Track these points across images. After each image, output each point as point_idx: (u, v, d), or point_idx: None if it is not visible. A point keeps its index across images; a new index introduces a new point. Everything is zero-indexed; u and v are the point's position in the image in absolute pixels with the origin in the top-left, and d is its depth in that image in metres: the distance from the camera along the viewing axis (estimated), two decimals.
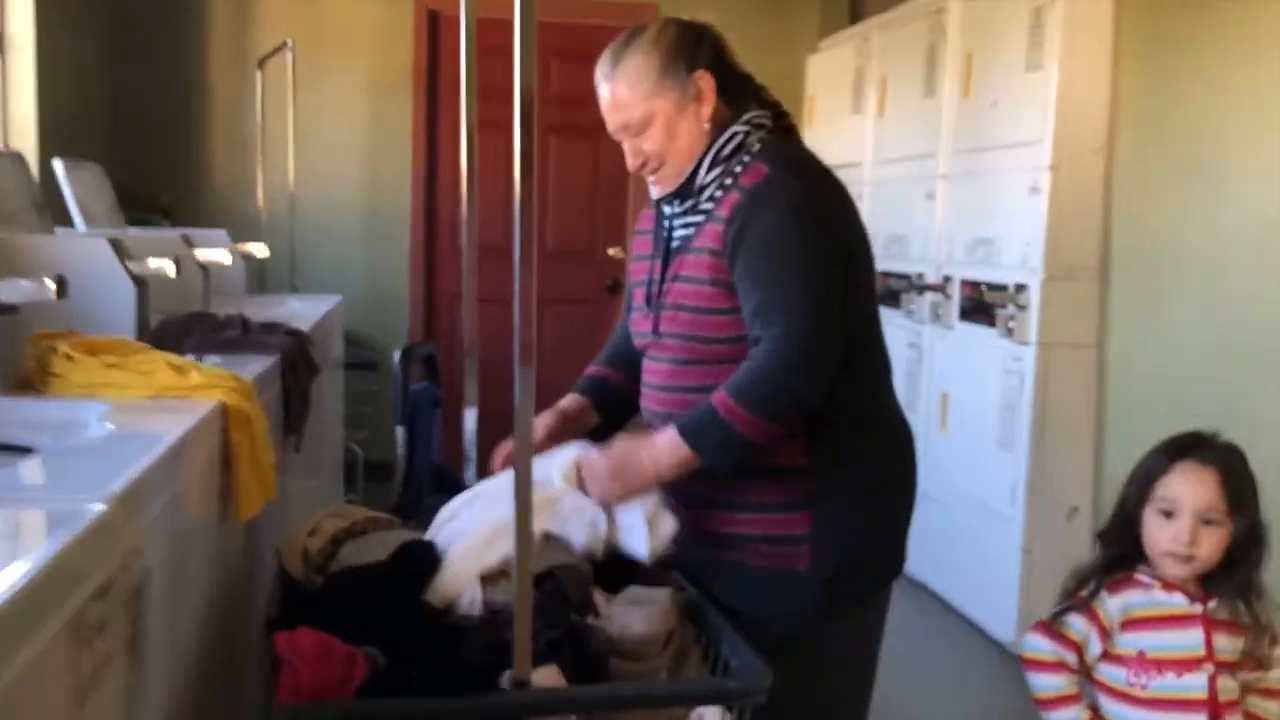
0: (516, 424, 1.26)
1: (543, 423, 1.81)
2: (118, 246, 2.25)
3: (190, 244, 2.88)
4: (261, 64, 4.35)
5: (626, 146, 1.76)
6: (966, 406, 3.69)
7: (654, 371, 1.80)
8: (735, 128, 1.72)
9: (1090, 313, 3.35)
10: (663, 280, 1.76)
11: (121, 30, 4.69)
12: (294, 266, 4.16)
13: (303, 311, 3.14)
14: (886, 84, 4.39)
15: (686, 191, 1.74)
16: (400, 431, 2.13)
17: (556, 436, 1.81)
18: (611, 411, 1.93)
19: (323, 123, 4.88)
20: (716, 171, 1.71)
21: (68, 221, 2.95)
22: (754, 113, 1.74)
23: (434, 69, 5.16)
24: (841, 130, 4.73)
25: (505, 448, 1.82)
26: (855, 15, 5.22)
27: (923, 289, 3.94)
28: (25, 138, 3.85)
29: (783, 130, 1.78)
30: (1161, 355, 3.14)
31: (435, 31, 5.14)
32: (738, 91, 1.75)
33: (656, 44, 1.73)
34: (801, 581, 1.67)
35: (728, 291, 1.66)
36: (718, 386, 1.63)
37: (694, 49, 1.73)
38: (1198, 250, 3.00)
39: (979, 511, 3.59)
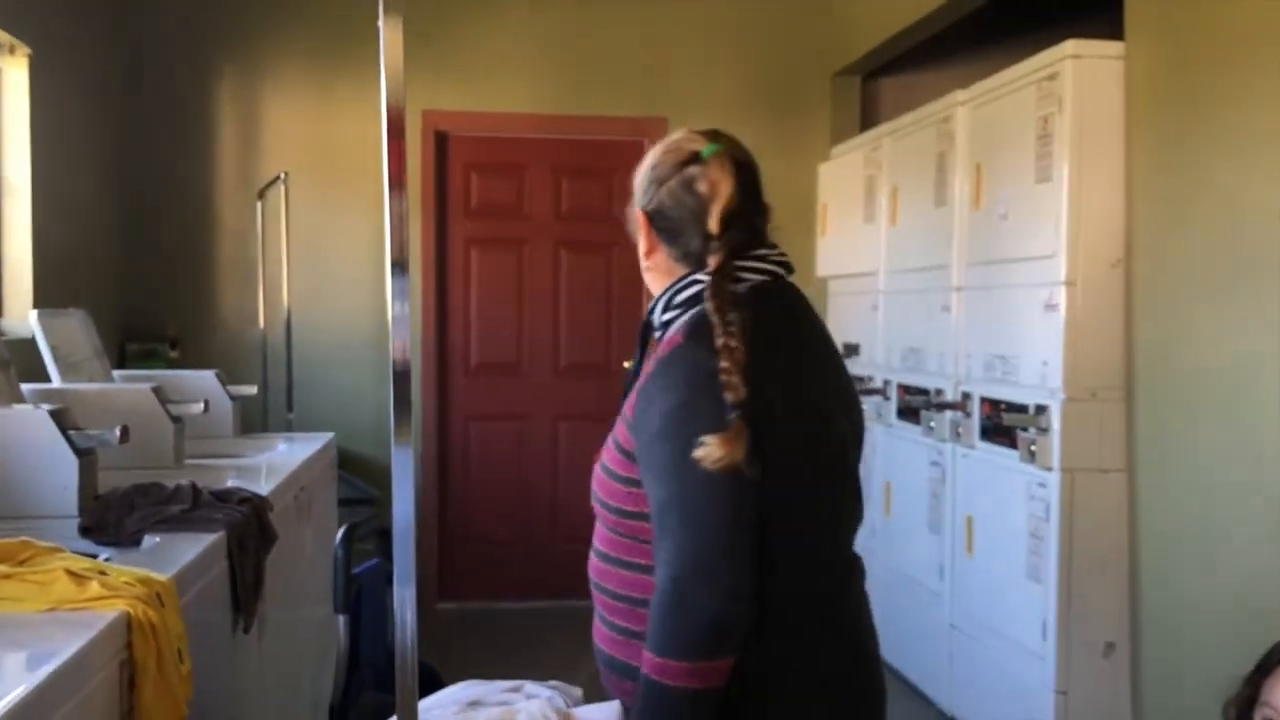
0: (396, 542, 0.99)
1: None
2: (60, 416, 2.14)
3: (163, 396, 2.78)
4: (261, 194, 4.31)
5: None
6: (992, 532, 3.47)
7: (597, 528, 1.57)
8: (698, 275, 1.45)
9: (1117, 436, 3.13)
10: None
11: (124, 166, 4.67)
12: (290, 402, 4.06)
13: (284, 458, 3.01)
14: (898, 192, 4.26)
15: (644, 329, 1.57)
16: (342, 621, 1.93)
17: None
18: None
19: (328, 250, 4.83)
20: (670, 316, 1.49)
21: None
22: (744, 260, 1.45)
23: (442, 189, 5.12)
24: (854, 239, 4.59)
25: None
26: (867, 122, 5.12)
27: (941, 406, 3.75)
28: (20, 282, 3.81)
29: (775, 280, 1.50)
30: (1194, 481, 2.91)
31: (443, 152, 5.11)
32: (738, 225, 1.46)
33: (656, 147, 1.53)
34: None
35: (629, 461, 1.45)
36: (641, 565, 1.44)
37: (668, 171, 1.48)
38: (1222, 370, 2.79)
39: (1010, 648, 3.35)
